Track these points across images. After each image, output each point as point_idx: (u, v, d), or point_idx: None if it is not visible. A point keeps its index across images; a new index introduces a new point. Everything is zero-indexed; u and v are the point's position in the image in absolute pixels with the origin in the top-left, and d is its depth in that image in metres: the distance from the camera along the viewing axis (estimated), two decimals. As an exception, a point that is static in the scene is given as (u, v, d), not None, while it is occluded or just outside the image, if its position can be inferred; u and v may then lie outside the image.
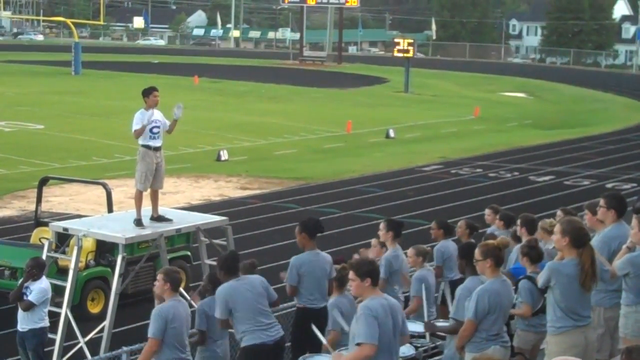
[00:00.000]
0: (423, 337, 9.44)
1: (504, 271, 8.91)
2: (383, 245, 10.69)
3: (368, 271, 7.07)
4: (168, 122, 12.43)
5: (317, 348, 9.12)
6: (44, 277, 11.93)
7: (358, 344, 6.83)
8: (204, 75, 65.94)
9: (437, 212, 21.03)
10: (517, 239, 10.53)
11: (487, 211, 12.26)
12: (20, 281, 12.09)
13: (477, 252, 8.04)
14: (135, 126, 12.12)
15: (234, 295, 8.74)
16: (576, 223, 7.73)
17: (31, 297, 11.75)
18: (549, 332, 7.75)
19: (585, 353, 7.58)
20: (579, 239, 7.56)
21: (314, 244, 9.69)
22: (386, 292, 9.23)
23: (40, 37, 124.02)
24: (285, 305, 10.57)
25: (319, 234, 9.76)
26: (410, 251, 10.71)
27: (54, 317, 12.21)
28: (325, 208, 24.49)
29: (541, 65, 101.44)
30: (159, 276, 9.01)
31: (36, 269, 11.86)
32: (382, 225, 10.54)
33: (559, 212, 10.61)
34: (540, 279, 7.72)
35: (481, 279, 8.27)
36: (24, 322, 11.87)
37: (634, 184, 28.36)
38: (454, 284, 10.41)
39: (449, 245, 11.11)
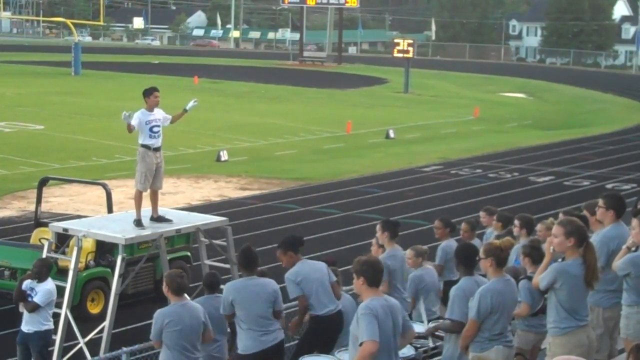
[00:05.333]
0: (423, 337, 9.45)
1: (509, 266, 8.90)
2: (382, 246, 10.67)
3: (361, 270, 7.10)
4: (170, 116, 12.43)
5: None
6: (50, 279, 11.94)
7: (361, 344, 6.88)
8: (204, 75, 65.97)
9: (437, 213, 21.01)
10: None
11: (481, 213, 12.23)
12: (19, 280, 12.08)
13: (481, 251, 8.11)
14: (133, 121, 12.11)
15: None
16: (578, 223, 7.73)
17: (36, 299, 11.75)
18: (551, 333, 7.72)
19: (587, 353, 7.58)
20: (583, 238, 7.58)
21: (299, 257, 9.54)
22: (391, 293, 9.23)
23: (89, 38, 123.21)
24: (285, 305, 10.55)
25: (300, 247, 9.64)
26: (409, 252, 10.69)
27: (54, 317, 12.20)
28: (325, 208, 24.50)
29: (541, 65, 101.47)
30: (164, 279, 9.08)
31: (45, 269, 11.89)
32: (378, 227, 10.52)
33: (560, 216, 10.52)
34: (544, 281, 7.66)
35: (476, 279, 8.29)
36: (29, 324, 11.85)
37: (634, 185, 28.36)
38: (449, 284, 10.37)
39: (452, 245, 10.96)
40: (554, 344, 7.71)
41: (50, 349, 12.09)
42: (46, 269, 11.94)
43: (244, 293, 8.95)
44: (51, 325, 11.94)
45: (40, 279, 11.86)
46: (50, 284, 11.87)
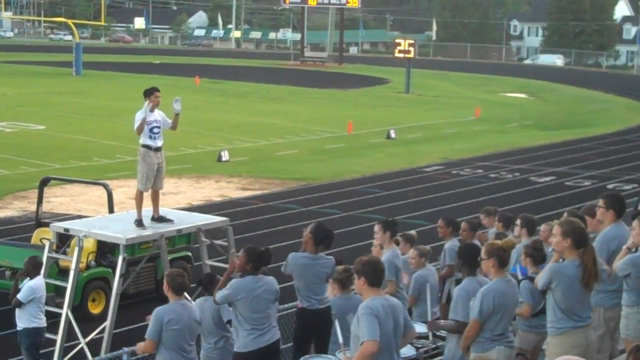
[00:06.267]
0: (424, 337, 9.44)
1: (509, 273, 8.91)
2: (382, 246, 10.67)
3: (362, 270, 7.11)
4: (170, 121, 12.44)
5: (319, 350, 9.14)
6: (38, 277, 11.95)
7: (362, 343, 6.89)
8: (205, 75, 65.98)
9: (438, 213, 21.02)
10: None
11: (480, 215, 12.23)
12: (15, 279, 12.22)
13: (482, 251, 8.09)
14: (136, 123, 12.15)
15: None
16: (577, 224, 7.73)
17: (19, 295, 11.82)
18: (549, 333, 7.76)
19: (586, 353, 7.58)
20: (580, 239, 7.57)
21: (315, 249, 9.62)
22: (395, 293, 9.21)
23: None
24: (286, 305, 10.56)
25: (323, 247, 9.67)
26: (412, 252, 10.71)
27: (55, 317, 12.22)
28: (326, 209, 24.50)
29: (542, 65, 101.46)
30: (165, 278, 9.10)
31: (30, 267, 11.94)
32: (377, 228, 10.50)
33: (565, 215, 10.52)
34: (541, 281, 7.70)
35: (479, 280, 8.28)
36: (19, 321, 11.99)
37: (635, 185, 28.35)
38: (459, 283, 10.39)
39: (457, 245, 11.00)
40: (551, 344, 7.75)
41: (49, 349, 12.09)
42: (33, 267, 11.99)
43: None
44: (40, 324, 11.94)
45: (30, 276, 11.92)
46: (35, 281, 11.89)
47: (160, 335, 8.76)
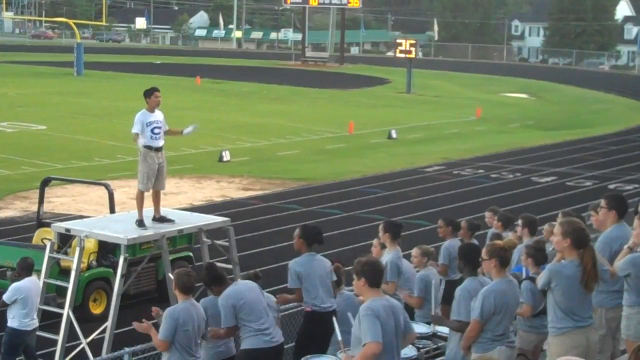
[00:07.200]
0: (425, 338, 9.44)
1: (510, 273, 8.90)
2: (384, 246, 10.69)
3: (362, 271, 7.11)
4: (167, 126, 12.42)
5: (319, 350, 9.15)
6: (27, 278, 11.97)
7: (364, 345, 6.88)
8: (206, 76, 65.98)
9: (439, 213, 21.02)
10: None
11: (487, 214, 12.23)
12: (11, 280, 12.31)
13: (483, 252, 8.09)
14: (135, 129, 12.13)
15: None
16: (577, 224, 7.72)
17: (3, 295, 11.89)
18: (550, 333, 7.77)
19: (587, 354, 7.58)
20: (580, 240, 7.56)
21: (309, 249, 9.64)
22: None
23: None
24: (289, 306, 10.56)
25: (317, 244, 9.71)
26: (415, 251, 10.71)
27: (56, 317, 12.23)
28: (327, 209, 24.50)
29: (543, 66, 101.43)
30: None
31: (20, 267, 12.01)
32: (380, 227, 10.59)
33: (560, 216, 10.53)
34: (540, 281, 7.72)
35: (480, 280, 8.29)
36: (8, 318, 12.05)
37: (636, 185, 28.33)
38: (451, 284, 10.38)
39: (456, 245, 10.84)
40: (551, 344, 7.77)
41: (46, 350, 12.08)
42: (22, 268, 12.05)
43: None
44: (21, 326, 11.95)
45: (20, 276, 11.96)
46: (21, 282, 11.94)
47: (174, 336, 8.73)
